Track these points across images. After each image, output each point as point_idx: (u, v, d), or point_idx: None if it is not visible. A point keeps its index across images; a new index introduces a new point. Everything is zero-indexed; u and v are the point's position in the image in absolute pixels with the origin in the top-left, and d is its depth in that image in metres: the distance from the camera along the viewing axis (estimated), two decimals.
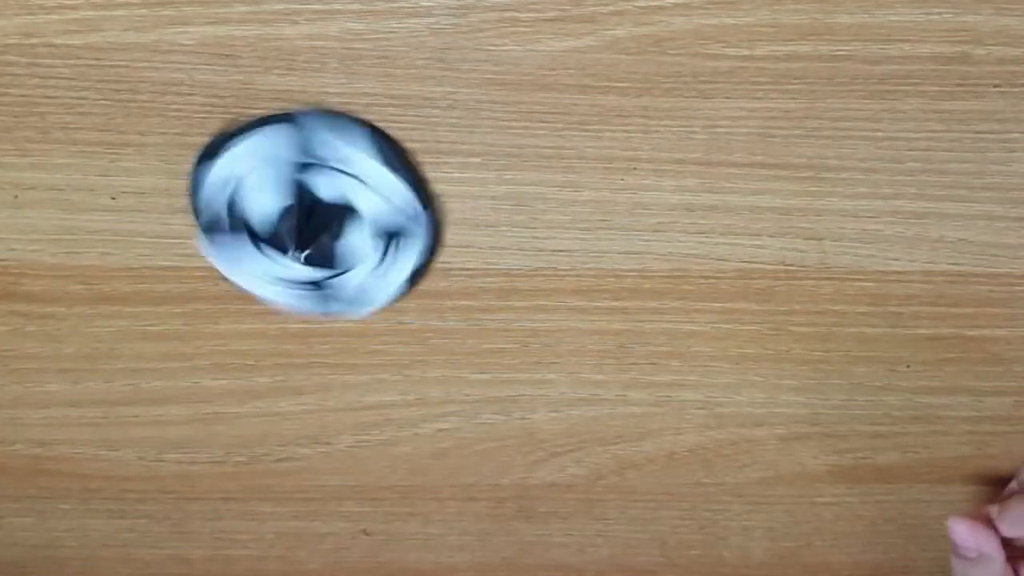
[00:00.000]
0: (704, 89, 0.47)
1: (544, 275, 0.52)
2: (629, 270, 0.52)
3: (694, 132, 0.48)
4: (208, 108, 0.47)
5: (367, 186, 0.48)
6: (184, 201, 0.50)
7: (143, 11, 0.45)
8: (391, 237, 0.49)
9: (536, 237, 0.51)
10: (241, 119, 0.47)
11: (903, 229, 0.51)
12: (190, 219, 0.50)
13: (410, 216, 0.49)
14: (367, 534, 0.62)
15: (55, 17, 0.45)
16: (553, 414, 0.57)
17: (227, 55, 0.46)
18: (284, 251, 0.49)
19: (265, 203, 0.48)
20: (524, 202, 0.50)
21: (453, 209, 0.50)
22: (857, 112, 0.47)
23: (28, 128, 0.48)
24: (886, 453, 0.58)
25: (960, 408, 0.56)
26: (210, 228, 0.48)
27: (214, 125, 0.48)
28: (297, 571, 0.64)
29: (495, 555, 0.63)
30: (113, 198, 0.50)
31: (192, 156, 0.49)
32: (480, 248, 0.51)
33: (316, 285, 0.50)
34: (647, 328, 0.54)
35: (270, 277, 0.50)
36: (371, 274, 0.50)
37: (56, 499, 0.61)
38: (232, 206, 0.48)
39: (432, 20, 0.45)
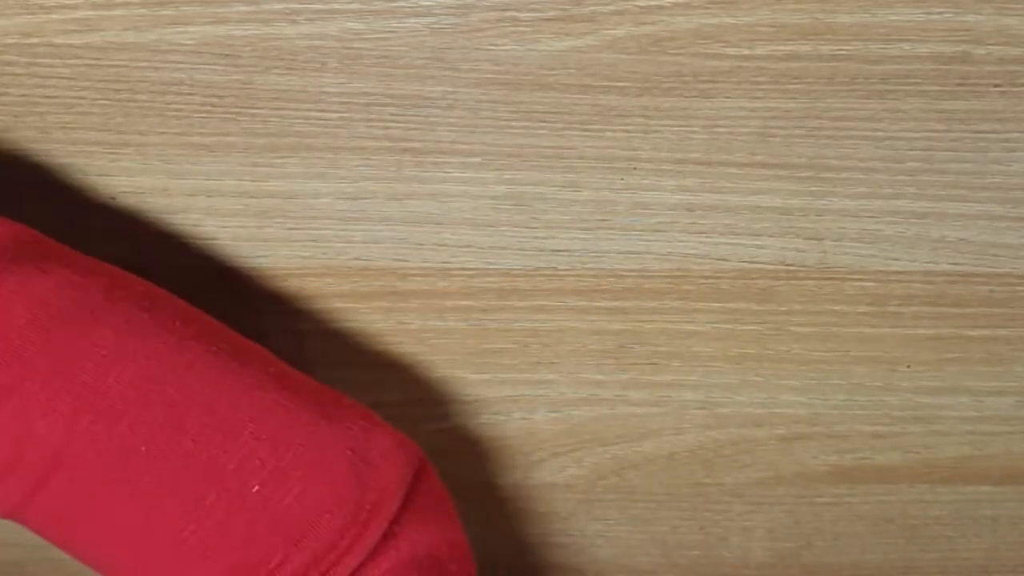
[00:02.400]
0: (704, 89, 0.47)
1: (544, 275, 0.52)
2: (629, 270, 0.52)
3: (694, 132, 0.48)
4: (208, 108, 0.47)
5: None
6: (184, 201, 0.50)
7: (142, 11, 0.45)
8: None
9: (536, 237, 0.51)
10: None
11: (903, 229, 0.51)
12: (190, 219, 0.50)
13: None
14: None
15: (55, 17, 0.45)
16: (553, 414, 0.57)
17: (227, 55, 0.46)
18: None
19: None
20: (524, 202, 0.50)
21: (453, 209, 0.50)
22: (857, 112, 0.47)
23: (28, 128, 0.48)
24: (886, 453, 0.58)
25: (960, 408, 0.56)
26: None
27: (214, 125, 0.47)
28: None
29: (495, 555, 0.63)
30: (113, 198, 0.50)
31: (192, 156, 0.49)
32: (480, 248, 0.51)
33: None
34: (647, 328, 0.54)
35: None
36: None
37: None
38: None
39: (432, 20, 0.45)
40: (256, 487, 0.42)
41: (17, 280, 0.41)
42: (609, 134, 0.48)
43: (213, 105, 0.47)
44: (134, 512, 0.42)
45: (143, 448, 0.41)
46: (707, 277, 0.52)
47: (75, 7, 0.44)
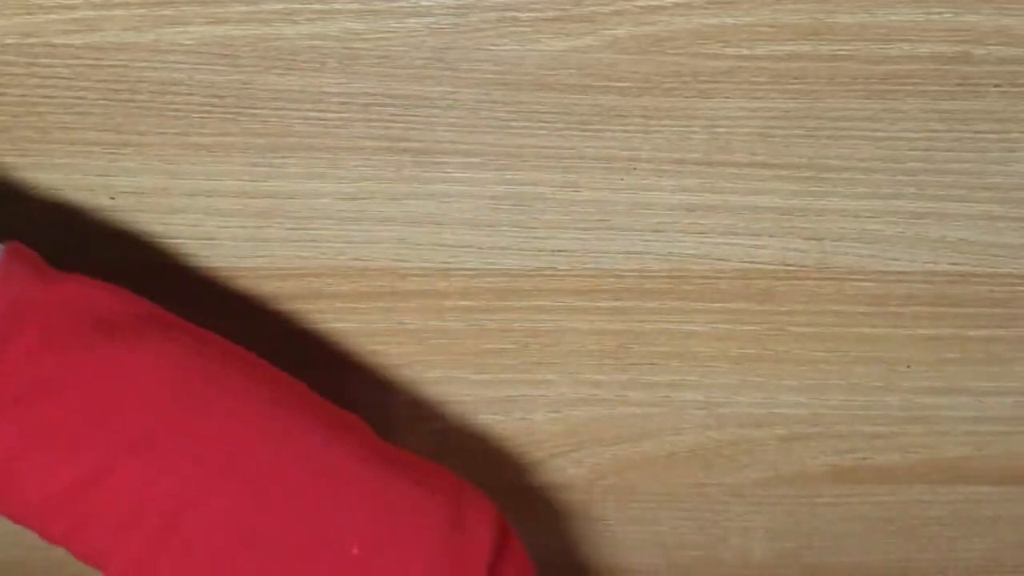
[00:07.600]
0: (704, 89, 0.47)
1: (544, 275, 0.52)
2: (629, 270, 0.52)
3: (694, 132, 0.48)
4: (207, 108, 0.47)
5: None
6: (183, 201, 0.50)
7: (142, 11, 0.45)
8: None
9: (536, 237, 0.51)
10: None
11: (903, 229, 0.51)
12: (189, 219, 0.50)
13: None
14: None
15: (54, 17, 0.45)
16: (553, 414, 0.57)
17: (226, 55, 0.46)
18: None
19: None
20: (524, 202, 0.50)
21: (453, 209, 0.50)
22: (857, 112, 0.47)
23: (27, 128, 0.48)
24: (886, 453, 0.58)
25: (960, 408, 0.56)
26: None
27: (214, 125, 0.47)
28: None
29: None
30: (112, 198, 0.50)
31: (191, 156, 0.49)
32: (480, 248, 0.51)
33: None
34: (647, 328, 0.54)
35: None
36: None
37: None
38: None
39: (432, 20, 0.45)
40: (355, 550, 0.43)
41: (151, 346, 0.44)
42: (609, 134, 0.48)
43: (213, 105, 0.47)
44: (251, 573, 0.43)
45: (262, 512, 0.43)
46: (707, 277, 0.52)
47: (74, 7, 0.44)
